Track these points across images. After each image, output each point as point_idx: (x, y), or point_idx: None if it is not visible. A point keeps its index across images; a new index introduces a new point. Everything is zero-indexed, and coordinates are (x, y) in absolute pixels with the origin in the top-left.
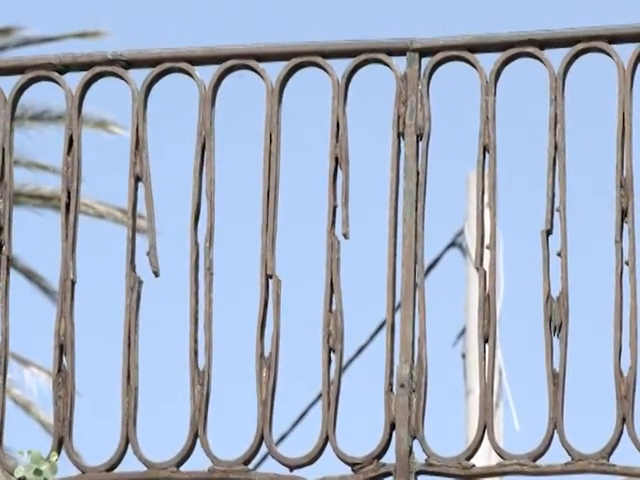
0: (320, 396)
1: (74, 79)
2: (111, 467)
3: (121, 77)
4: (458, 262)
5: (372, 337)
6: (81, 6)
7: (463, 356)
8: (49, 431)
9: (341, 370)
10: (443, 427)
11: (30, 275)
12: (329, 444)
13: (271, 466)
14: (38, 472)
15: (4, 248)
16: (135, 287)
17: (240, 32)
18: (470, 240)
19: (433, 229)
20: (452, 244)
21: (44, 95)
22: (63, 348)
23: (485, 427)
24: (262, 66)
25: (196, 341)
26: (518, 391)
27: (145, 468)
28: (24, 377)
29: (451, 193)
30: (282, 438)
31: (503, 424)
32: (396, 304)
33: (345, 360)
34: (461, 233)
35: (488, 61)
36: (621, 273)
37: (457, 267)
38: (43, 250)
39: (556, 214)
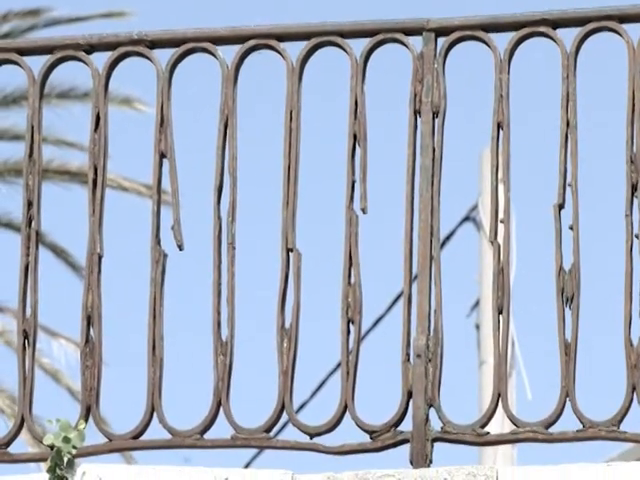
0: (338, 366)
1: (101, 59)
2: (137, 435)
3: (146, 57)
4: (472, 236)
5: (389, 308)
6: None
7: (477, 327)
8: (76, 398)
9: (360, 341)
10: (457, 396)
11: (57, 250)
12: (348, 412)
13: (291, 434)
14: (67, 440)
15: (33, 223)
16: (160, 260)
17: (261, 12)
18: (484, 215)
19: (448, 204)
20: (466, 218)
21: (71, 73)
22: (90, 320)
23: (499, 396)
24: (283, 46)
25: (219, 313)
26: (530, 361)
27: (170, 436)
28: (52, 348)
29: (465, 169)
30: (302, 407)
31: (515, 393)
32: (412, 276)
33: (362, 331)
34: (475, 208)
35: (502, 40)
36: (631, 246)
37: (471, 241)
38: (70, 226)
39: (568, 189)
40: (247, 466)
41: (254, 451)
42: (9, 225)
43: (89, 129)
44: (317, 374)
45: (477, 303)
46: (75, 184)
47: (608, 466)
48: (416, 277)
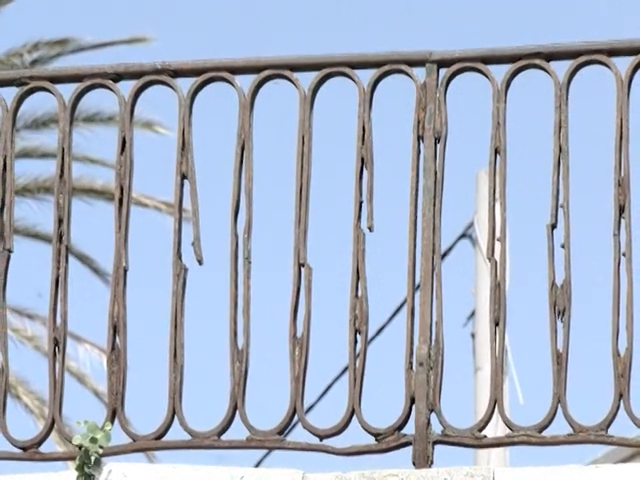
0: (344, 370)
1: (126, 86)
2: (159, 436)
3: (169, 85)
4: (468, 251)
5: (390, 319)
6: (129, 15)
7: (472, 336)
8: (101, 400)
9: (366, 350)
10: (453, 401)
11: (82, 259)
12: (355, 416)
13: (302, 435)
14: (94, 440)
15: (63, 238)
16: (181, 274)
17: (276, 44)
18: (479, 232)
19: (445, 221)
20: (463, 235)
21: (96, 99)
22: (116, 329)
23: (496, 402)
24: (295, 75)
25: (235, 323)
26: (523, 369)
27: (189, 437)
28: (78, 352)
29: (462, 189)
30: (309, 409)
31: (508, 398)
32: (415, 290)
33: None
34: (471, 225)
35: (499, 72)
36: (619, 263)
37: (467, 256)
38: (95, 236)
39: (560, 210)
40: (257, 465)
41: (264, 451)
42: (37, 236)
43: (114, 150)
44: (324, 378)
45: (473, 314)
46: (100, 200)
47: (597, 467)
48: (418, 288)
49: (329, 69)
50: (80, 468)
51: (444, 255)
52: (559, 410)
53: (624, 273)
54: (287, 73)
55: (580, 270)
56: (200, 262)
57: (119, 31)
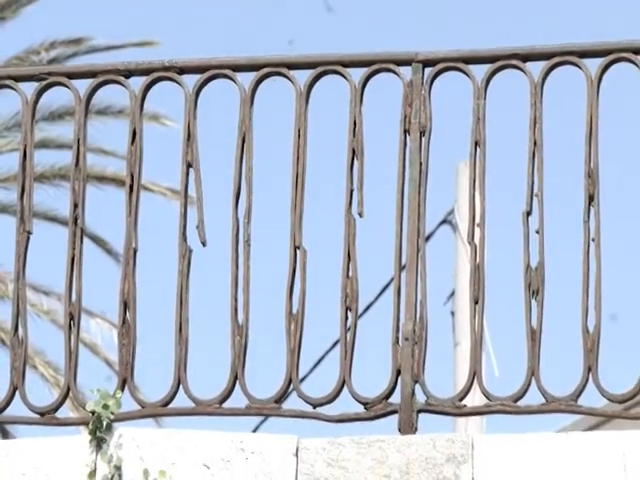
0: (336, 343)
1: (137, 82)
2: (165, 403)
3: (176, 81)
4: (449, 236)
5: (378, 297)
6: (139, 19)
7: (452, 314)
8: (112, 368)
9: (356, 325)
10: (435, 373)
11: (95, 240)
12: (346, 387)
13: (296, 403)
14: (106, 407)
15: (78, 221)
16: (186, 255)
17: (275, 43)
18: (459, 218)
19: (428, 208)
20: (444, 221)
21: (107, 93)
22: (127, 304)
23: (475, 374)
24: (292, 73)
25: (236, 300)
26: (499, 344)
27: (193, 405)
28: (90, 325)
29: (443, 179)
30: (303, 379)
31: (485, 371)
32: (401, 271)
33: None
34: (451, 212)
35: (480, 71)
36: (588, 248)
37: (448, 240)
38: (107, 219)
39: (535, 198)
40: (255, 431)
41: (261, 418)
42: (54, 219)
43: (123, 140)
44: (317, 351)
45: (453, 293)
46: (110, 186)
47: (566, 435)
48: (404, 268)
49: (323, 67)
50: (93, 432)
51: (427, 239)
52: (533, 382)
53: (593, 257)
54: (284, 71)
55: (553, 254)
56: (204, 244)
57: (130, 33)
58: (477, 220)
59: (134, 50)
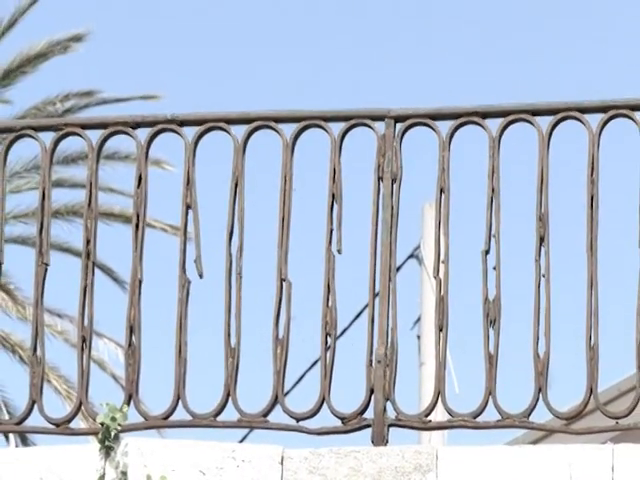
0: (315, 363)
1: (142, 133)
2: (166, 416)
3: (177, 132)
4: (415, 268)
5: (352, 322)
6: (144, 74)
7: (418, 337)
8: (118, 383)
9: (335, 349)
10: (402, 390)
11: (104, 269)
12: (325, 403)
13: (280, 418)
14: (113, 419)
15: (91, 255)
16: (185, 285)
17: (263, 99)
18: (425, 253)
19: (397, 244)
20: (411, 255)
21: (115, 141)
22: (132, 329)
23: (439, 393)
24: (280, 126)
25: (229, 326)
26: (459, 366)
27: (191, 417)
28: (98, 345)
29: (411, 217)
30: (286, 394)
31: (447, 389)
32: (374, 301)
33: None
34: (418, 247)
35: (444, 126)
36: (539, 283)
37: (414, 272)
38: (114, 251)
39: (492, 239)
40: (241, 441)
41: (247, 430)
42: (68, 250)
43: (129, 181)
44: (299, 369)
45: (419, 319)
46: (117, 222)
47: (519, 447)
48: (377, 295)
49: (307, 121)
50: (102, 441)
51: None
52: (490, 401)
53: (543, 291)
54: (272, 124)
55: (508, 288)
56: (201, 276)
57: (135, 87)
58: (442, 257)
59: (139, 103)
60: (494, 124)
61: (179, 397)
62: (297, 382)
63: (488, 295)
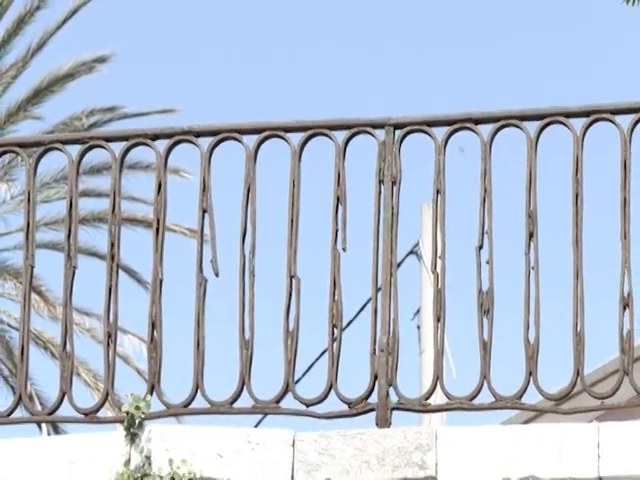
0: (323, 353)
1: (161, 144)
2: (186, 404)
3: (193, 143)
4: (415, 264)
5: (356, 315)
6: (162, 90)
7: (418, 327)
8: (141, 375)
9: (341, 339)
10: (404, 376)
11: (127, 271)
12: (332, 389)
13: (291, 403)
14: (137, 408)
15: (115, 258)
16: (202, 283)
17: (272, 110)
18: (423, 249)
19: (397, 242)
20: (411, 252)
21: (136, 152)
22: (154, 325)
23: (437, 378)
24: (288, 135)
25: (243, 320)
26: (456, 352)
27: (209, 405)
28: (124, 340)
29: (410, 216)
30: (296, 382)
31: (445, 375)
32: (377, 294)
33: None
34: (417, 244)
35: (440, 132)
36: (529, 275)
37: (414, 267)
38: (137, 253)
39: (485, 235)
40: (256, 426)
41: (260, 416)
42: (94, 254)
43: (151, 189)
44: (308, 359)
45: (418, 310)
46: (139, 227)
47: (512, 427)
48: (379, 289)
49: (313, 130)
50: (127, 429)
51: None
52: (485, 384)
53: (533, 282)
54: (281, 133)
55: (500, 280)
56: (217, 275)
57: (154, 102)
58: (439, 253)
59: (158, 116)
60: (486, 129)
61: (198, 387)
62: (307, 371)
63: (482, 287)
